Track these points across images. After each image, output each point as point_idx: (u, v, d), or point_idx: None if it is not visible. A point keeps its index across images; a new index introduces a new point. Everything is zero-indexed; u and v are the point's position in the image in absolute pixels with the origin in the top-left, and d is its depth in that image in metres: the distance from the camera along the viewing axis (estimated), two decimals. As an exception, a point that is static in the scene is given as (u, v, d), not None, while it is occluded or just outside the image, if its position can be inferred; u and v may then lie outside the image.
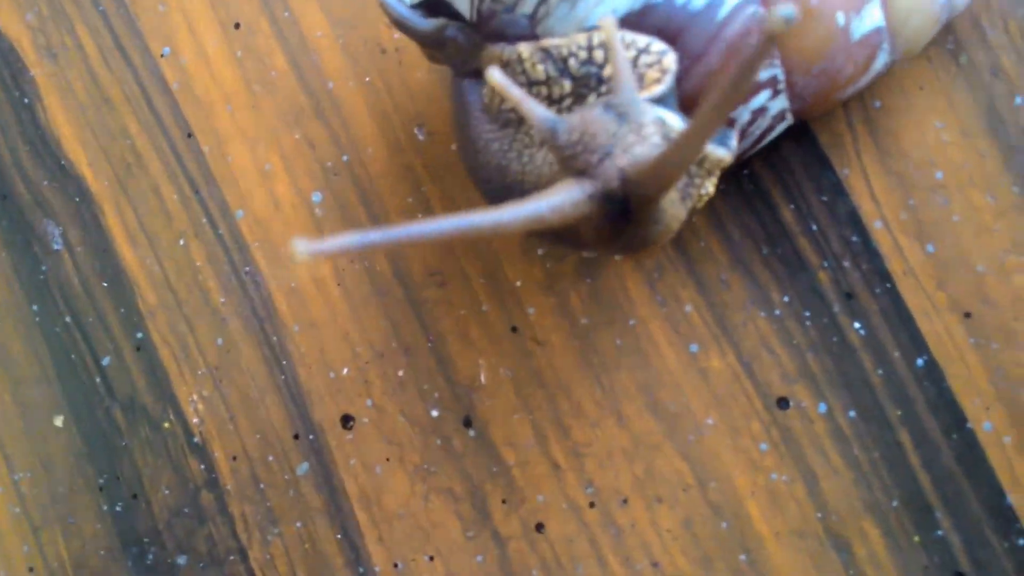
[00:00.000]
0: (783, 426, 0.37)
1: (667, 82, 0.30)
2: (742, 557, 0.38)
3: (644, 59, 0.30)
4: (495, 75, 0.29)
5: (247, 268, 0.44)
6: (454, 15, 0.34)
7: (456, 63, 0.34)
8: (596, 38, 0.30)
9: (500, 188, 0.33)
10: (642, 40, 0.30)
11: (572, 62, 0.31)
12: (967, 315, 0.36)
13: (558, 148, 0.29)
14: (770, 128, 0.34)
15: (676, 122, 0.30)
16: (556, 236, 0.32)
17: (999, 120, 0.36)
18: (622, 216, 0.29)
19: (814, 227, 0.37)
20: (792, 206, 0.38)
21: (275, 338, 0.44)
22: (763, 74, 0.32)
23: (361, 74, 0.44)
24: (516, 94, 0.29)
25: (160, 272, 0.46)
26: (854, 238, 0.37)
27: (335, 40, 0.44)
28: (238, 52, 0.46)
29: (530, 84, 0.32)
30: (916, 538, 0.36)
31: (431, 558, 0.41)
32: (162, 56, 0.47)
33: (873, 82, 0.34)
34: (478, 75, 0.34)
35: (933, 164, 0.36)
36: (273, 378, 0.44)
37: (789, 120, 0.34)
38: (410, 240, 0.26)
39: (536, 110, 0.29)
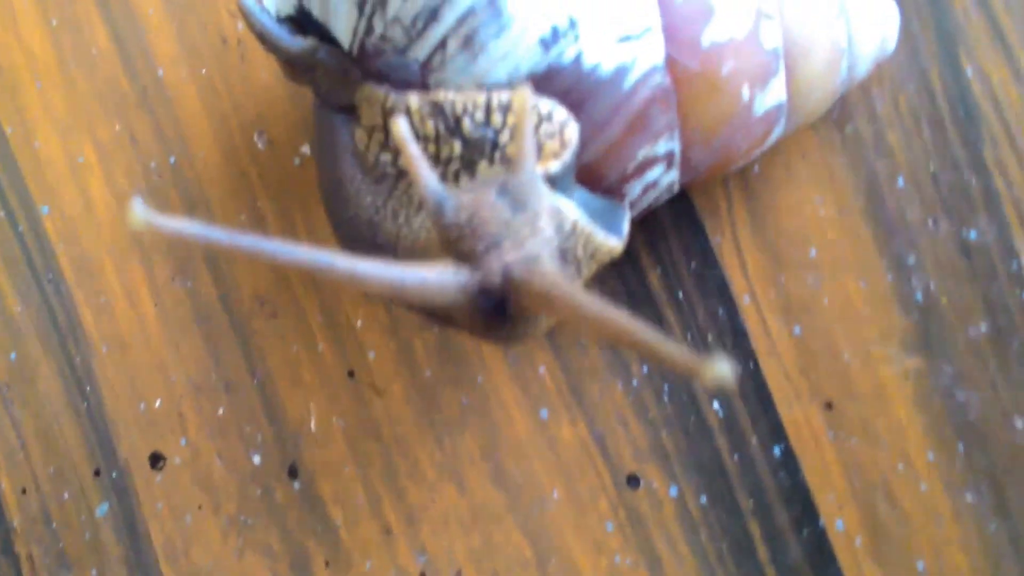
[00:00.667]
0: (631, 506, 0.35)
1: (566, 158, 0.27)
2: (578, 641, 0.36)
3: (545, 128, 0.27)
4: (401, 127, 0.25)
5: (50, 275, 0.39)
6: (328, 39, 0.30)
7: (323, 91, 0.30)
8: (496, 99, 0.27)
9: (368, 245, 0.29)
10: (545, 105, 0.27)
11: (467, 122, 0.27)
12: (828, 405, 0.34)
13: (442, 226, 0.25)
14: (657, 200, 0.31)
15: (572, 212, 0.27)
16: (423, 309, 0.29)
17: (879, 200, 0.34)
18: (496, 312, 0.25)
19: (680, 295, 0.35)
20: (659, 270, 0.35)
21: (78, 358, 0.39)
22: (660, 148, 0.29)
23: (197, 64, 0.39)
24: (413, 153, 0.25)
25: (-54, 268, 0.40)
26: (720, 311, 0.35)
27: (169, 20, 0.39)
28: (53, 20, 0.40)
29: (416, 139, 0.28)
30: (758, 635, 0.35)
31: (243, 619, 0.38)
32: (-41, 15, 0.41)
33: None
34: (348, 110, 0.30)
35: (808, 240, 0.35)
36: (73, 404, 0.39)
37: (675, 192, 0.31)
38: (256, 255, 0.23)
39: (428, 179, 0.25)
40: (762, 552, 0.35)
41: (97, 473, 0.39)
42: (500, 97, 0.27)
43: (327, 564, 0.37)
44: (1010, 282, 0.33)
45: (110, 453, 0.39)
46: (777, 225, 0.35)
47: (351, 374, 0.37)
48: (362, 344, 0.37)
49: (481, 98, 0.27)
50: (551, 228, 0.26)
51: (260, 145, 0.39)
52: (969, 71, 0.34)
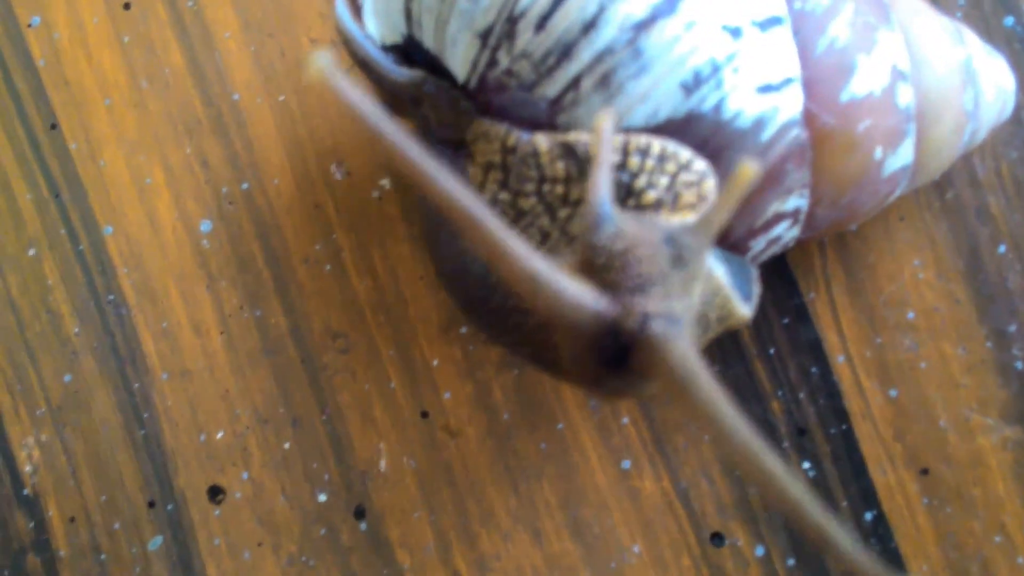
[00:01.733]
0: (715, 564, 0.35)
1: (702, 211, 0.26)
2: None
3: (683, 176, 0.26)
4: (606, 126, 0.25)
5: (111, 296, 0.38)
6: (439, 71, 0.29)
7: (428, 124, 0.29)
8: (634, 142, 0.26)
9: (479, 283, 0.28)
10: (684, 154, 0.26)
11: None
12: (924, 472, 0.34)
13: (591, 245, 0.24)
14: (774, 255, 0.31)
15: (722, 280, 0.26)
16: (535, 349, 0.28)
17: (980, 266, 0.34)
18: (615, 357, 0.24)
19: (772, 351, 0.35)
20: (751, 326, 0.35)
21: (137, 384, 0.38)
22: (790, 204, 0.28)
23: (274, 91, 0.38)
24: (604, 159, 0.24)
25: (1, 284, 0.39)
26: (813, 369, 0.34)
27: (246, 45, 0.39)
28: (125, 37, 0.39)
29: (541, 180, 0.27)
30: None
31: (300, 664, 0.37)
32: (29, 26, 0.40)
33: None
34: (455, 145, 0.29)
35: (906, 303, 0.34)
36: (130, 431, 0.38)
37: (790, 247, 0.31)
38: (409, 170, 0.21)
39: (604, 190, 0.24)
40: (850, 619, 0.34)
41: (152, 505, 0.38)
42: (638, 141, 0.26)
43: (393, 611, 0.36)
44: (1112, 354, 0.33)
45: (166, 484, 0.37)
46: (874, 286, 0.34)
47: (424, 415, 0.37)
48: (437, 384, 0.37)
49: (619, 140, 0.27)
50: (700, 294, 0.25)
51: (338, 176, 0.38)
52: (1072, 139, 0.34)
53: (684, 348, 0.23)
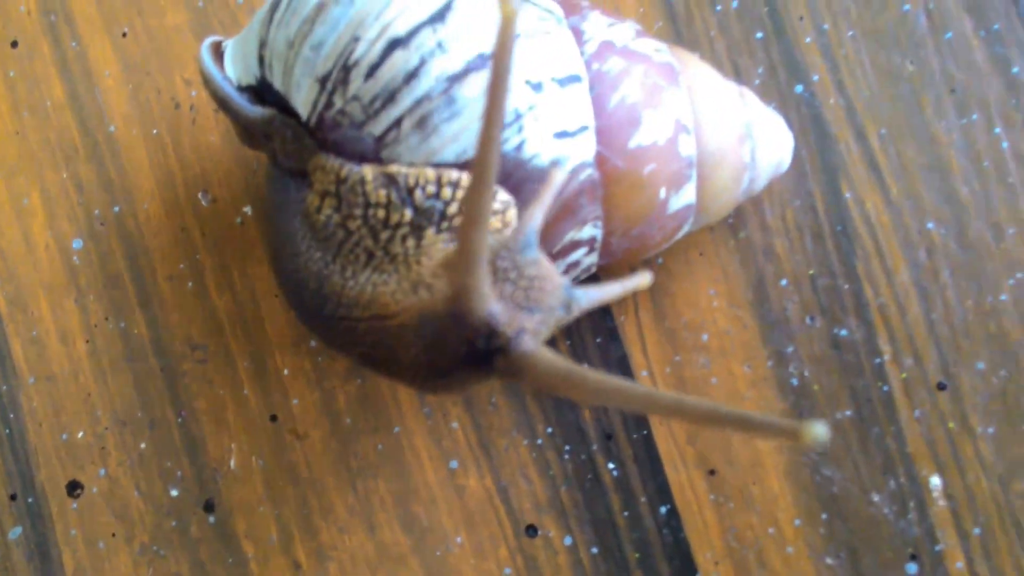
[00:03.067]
0: (528, 554, 0.39)
1: (504, 235, 0.31)
2: None
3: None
4: (558, 176, 0.31)
5: (-16, 306, 0.41)
6: (286, 110, 0.33)
7: (277, 157, 0.34)
8: (446, 176, 0.31)
9: (312, 294, 0.33)
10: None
11: (418, 193, 0.31)
12: (711, 472, 0.39)
13: (510, 260, 0.29)
14: (576, 279, 0.35)
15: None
16: (365, 349, 0.32)
17: (765, 297, 0.39)
18: (482, 357, 0.29)
19: (585, 365, 0.39)
20: (568, 342, 0.40)
21: (5, 387, 0.41)
22: (585, 233, 0.33)
23: (149, 124, 0.42)
24: (546, 200, 0.30)
25: None
26: (620, 382, 0.39)
27: (124, 83, 0.43)
28: (11, 72, 0.43)
29: (367, 205, 0.32)
30: None
31: (146, 649, 0.40)
32: (-80, 55, 0.43)
33: (665, 244, 0.37)
34: (300, 175, 0.33)
35: (701, 327, 0.39)
36: (-4, 431, 0.41)
37: (592, 272, 0.36)
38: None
39: (537, 222, 0.30)
40: (645, 602, 0.38)
41: (13, 498, 0.40)
42: (450, 174, 0.31)
43: (235, 598, 0.39)
44: (873, 376, 0.38)
45: (28, 479, 0.40)
46: (675, 311, 0.40)
47: (274, 418, 0.40)
48: (287, 391, 0.40)
49: (432, 174, 0.31)
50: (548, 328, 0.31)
51: (204, 203, 0.42)
52: (848, 195, 0.39)
53: (549, 357, 0.28)
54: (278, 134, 0.33)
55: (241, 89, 0.34)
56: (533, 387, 0.32)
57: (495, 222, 0.31)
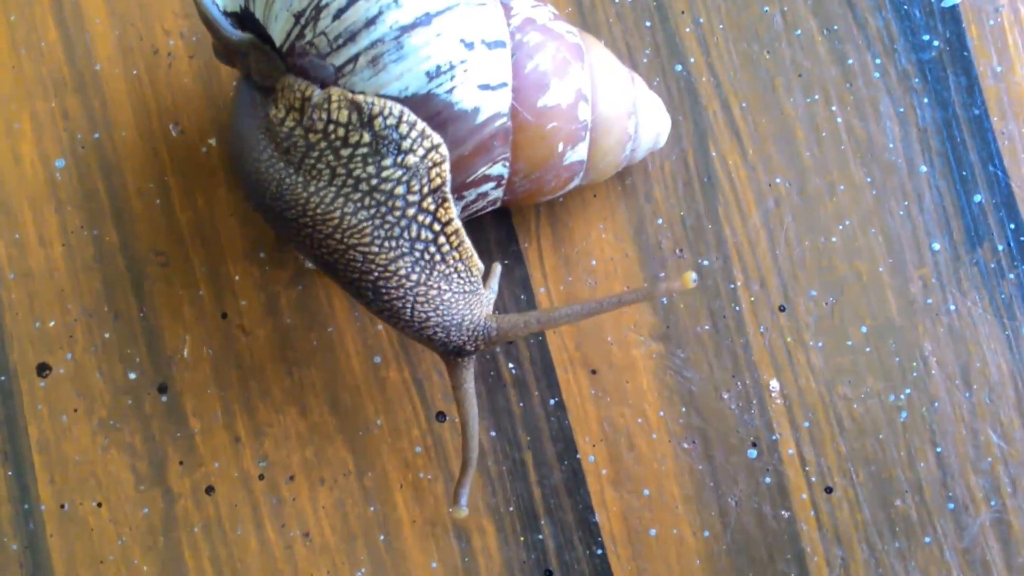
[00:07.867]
0: (437, 435, 0.47)
1: (446, 173, 0.39)
2: (381, 537, 0.46)
3: (427, 142, 0.39)
4: (497, 271, 0.46)
5: (-28, 211, 0.48)
6: (263, 36, 0.41)
7: (250, 73, 0.42)
8: (407, 115, 0.38)
9: (271, 197, 0.40)
10: (420, 125, 0.38)
11: (379, 121, 0.38)
12: (593, 372, 0.47)
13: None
14: (483, 209, 0.44)
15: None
16: (312, 247, 0.40)
17: (643, 232, 0.48)
18: (462, 350, 0.42)
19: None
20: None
21: (-14, 280, 0.48)
22: (495, 170, 0.41)
23: (130, 65, 0.50)
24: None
25: None
26: (522, 297, 0.48)
27: (111, 29, 0.50)
28: (12, 16, 0.50)
29: (329, 122, 0.39)
30: (522, 538, 0.46)
31: (99, 504, 0.46)
32: (-71, -3, 0.51)
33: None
34: (268, 91, 0.41)
35: (591, 254, 0.48)
36: (-25, 316, 0.47)
37: (498, 205, 0.44)
38: None
39: (493, 289, 0.44)
40: (532, 475, 0.46)
41: (-12, 374, 0.47)
42: (410, 115, 0.38)
43: (181, 463, 0.46)
44: (728, 298, 0.47)
45: (2, 361, 0.47)
46: (570, 241, 0.48)
47: (224, 316, 0.48)
48: (237, 293, 0.48)
49: (397, 108, 0.39)
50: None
51: (174, 133, 0.50)
52: (714, 154, 0.49)
53: (506, 326, 0.42)
54: (255, 55, 0.41)
55: (226, 14, 0.42)
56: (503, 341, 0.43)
57: (435, 155, 0.39)
